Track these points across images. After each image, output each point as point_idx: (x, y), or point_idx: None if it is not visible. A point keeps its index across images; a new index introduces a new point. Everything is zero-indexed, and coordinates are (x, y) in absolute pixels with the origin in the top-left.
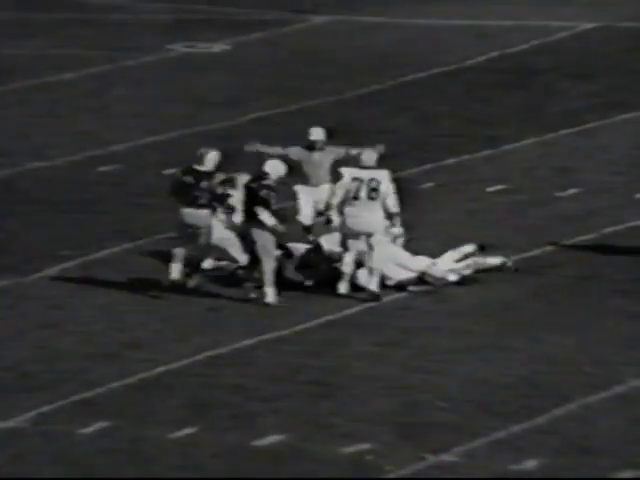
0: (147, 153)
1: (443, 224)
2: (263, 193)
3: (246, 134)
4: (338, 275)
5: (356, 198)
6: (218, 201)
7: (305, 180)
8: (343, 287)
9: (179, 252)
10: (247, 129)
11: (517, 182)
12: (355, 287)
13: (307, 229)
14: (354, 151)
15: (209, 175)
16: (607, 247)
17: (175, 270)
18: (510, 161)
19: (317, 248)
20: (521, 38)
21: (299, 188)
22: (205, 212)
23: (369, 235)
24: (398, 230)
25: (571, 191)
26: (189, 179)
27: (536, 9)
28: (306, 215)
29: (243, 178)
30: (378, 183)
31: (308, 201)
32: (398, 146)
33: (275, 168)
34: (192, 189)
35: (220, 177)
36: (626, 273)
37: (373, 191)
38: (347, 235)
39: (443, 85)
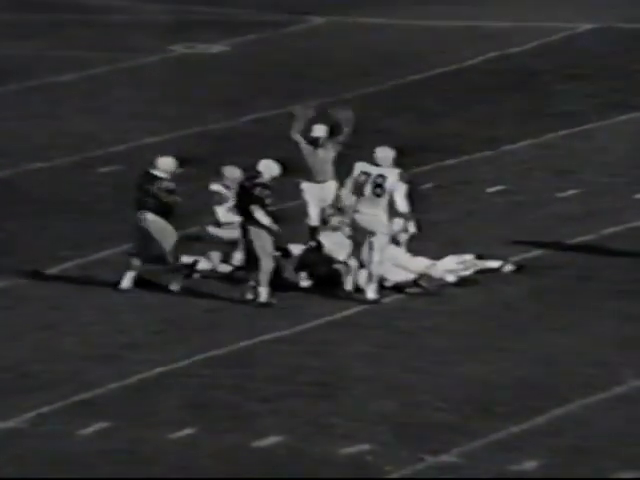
0: (147, 154)
1: (443, 224)
2: (257, 191)
3: (245, 135)
4: (337, 276)
5: (362, 193)
6: (164, 208)
7: (310, 176)
8: (349, 283)
9: (135, 261)
10: (246, 130)
11: (516, 183)
12: (356, 287)
13: (313, 231)
14: (342, 137)
15: (156, 180)
16: (606, 248)
17: (128, 279)
18: (509, 162)
19: (318, 247)
20: (520, 39)
21: (305, 186)
22: (152, 215)
23: (371, 233)
24: (398, 227)
25: (570, 192)
26: (139, 181)
27: (535, 10)
28: (313, 217)
29: (230, 171)
30: (384, 179)
31: (314, 202)
32: (397, 147)
33: (268, 168)
34: (141, 192)
35: (165, 184)
36: (625, 274)
37: (377, 187)
38: (354, 229)
39: (442, 86)
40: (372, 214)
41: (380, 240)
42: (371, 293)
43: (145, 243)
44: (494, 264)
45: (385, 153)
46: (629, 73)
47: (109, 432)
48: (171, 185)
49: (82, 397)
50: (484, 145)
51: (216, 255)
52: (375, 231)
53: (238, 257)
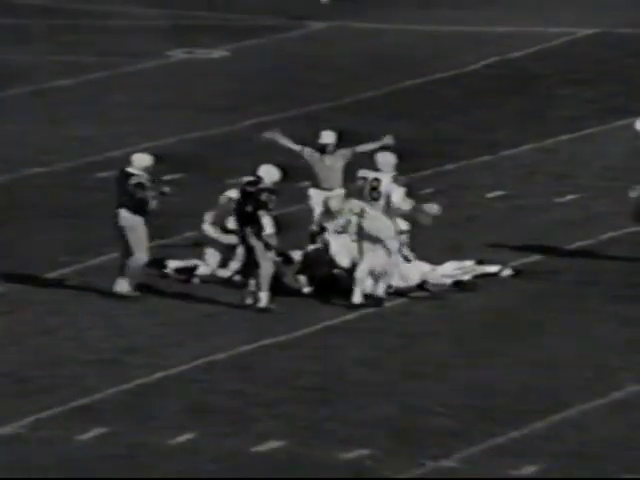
0: None
1: (442, 229)
2: (264, 197)
3: (244, 140)
4: (336, 280)
5: (361, 198)
6: (138, 204)
7: (316, 183)
8: (357, 296)
9: (122, 264)
10: (245, 135)
11: (516, 188)
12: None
13: (314, 236)
14: (360, 148)
15: (129, 176)
16: (606, 253)
17: (121, 284)
18: (509, 167)
19: (324, 247)
20: (520, 44)
21: (313, 192)
22: (126, 213)
23: (377, 238)
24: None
25: (570, 197)
26: (116, 179)
27: (535, 15)
28: (317, 222)
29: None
30: (379, 183)
31: (321, 208)
32: (397, 152)
33: (269, 173)
34: (118, 189)
35: (137, 179)
36: (625, 279)
37: (373, 190)
38: (360, 234)
39: (442, 91)
40: (375, 218)
41: (393, 244)
42: (380, 290)
43: (126, 243)
44: (492, 269)
45: (386, 158)
46: (629, 78)
47: (108, 437)
48: (144, 180)
49: (81, 402)
50: (484, 150)
51: (212, 253)
52: (382, 236)
53: (234, 266)
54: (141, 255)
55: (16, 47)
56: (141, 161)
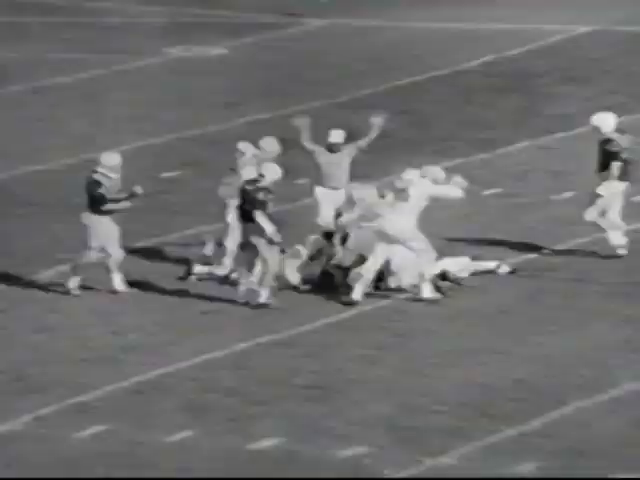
0: (143, 156)
1: (439, 227)
2: (261, 196)
3: (243, 137)
4: (334, 277)
5: (382, 197)
6: (95, 202)
7: (322, 181)
8: (357, 294)
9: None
10: (243, 132)
11: (513, 185)
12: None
13: (328, 235)
14: (362, 142)
15: (93, 173)
16: (603, 250)
17: (116, 281)
18: (506, 164)
19: (343, 238)
20: (516, 42)
21: (319, 191)
22: (87, 212)
23: (396, 240)
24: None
25: (566, 194)
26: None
27: (532, 13)
28: (326, 218)
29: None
30: (408, 184)
31: (328, 205)
32: (393, 149)
33: (271, 171)
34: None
35: (95, 177)
36: (622, 276)
37: (401, 191)
38: (377, 235)
39: (438, 88)
40: (392, 219)
41: (419, 244)
42: (427, 293)
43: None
44: (490, 265)
45: (434, 171)
46: (627, 76)
47: (106, 435)
48: (101, 178)
49: (79, 400)
50: (480, 148)
51: (210, 238)
52: (405, 239)
53: (227, 262)
54: (90, 252)
55: (15, 44)
56: (105, 160)
